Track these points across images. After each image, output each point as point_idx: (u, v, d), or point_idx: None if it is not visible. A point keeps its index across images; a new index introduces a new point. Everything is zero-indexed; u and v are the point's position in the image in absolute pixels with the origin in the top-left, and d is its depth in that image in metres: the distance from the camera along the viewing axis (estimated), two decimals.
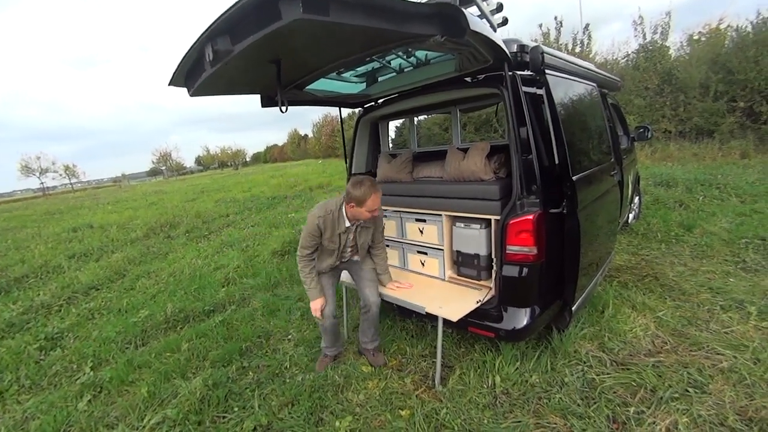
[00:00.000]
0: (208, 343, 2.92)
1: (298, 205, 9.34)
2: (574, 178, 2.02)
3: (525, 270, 2.04)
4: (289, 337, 2.94)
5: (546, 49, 2.05)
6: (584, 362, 2.28)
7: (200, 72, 1.73)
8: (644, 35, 11.80)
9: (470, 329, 2.21)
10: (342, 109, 3.11)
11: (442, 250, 2.58)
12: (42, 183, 51.87)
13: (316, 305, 2.28)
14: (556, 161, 2.10)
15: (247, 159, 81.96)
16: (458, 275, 2.55)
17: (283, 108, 1.98)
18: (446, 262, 2.59)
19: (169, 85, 2.02)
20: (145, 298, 4.09)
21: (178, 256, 5.81)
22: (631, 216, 4.72)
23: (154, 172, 76.37)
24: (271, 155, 68.85)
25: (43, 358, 3.04)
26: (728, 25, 10.56)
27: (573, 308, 2.22)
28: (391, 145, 3.60)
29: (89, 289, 4.61)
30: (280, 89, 1.88)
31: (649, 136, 4.50)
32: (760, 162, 7.90)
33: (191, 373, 2.58)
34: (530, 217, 1.97)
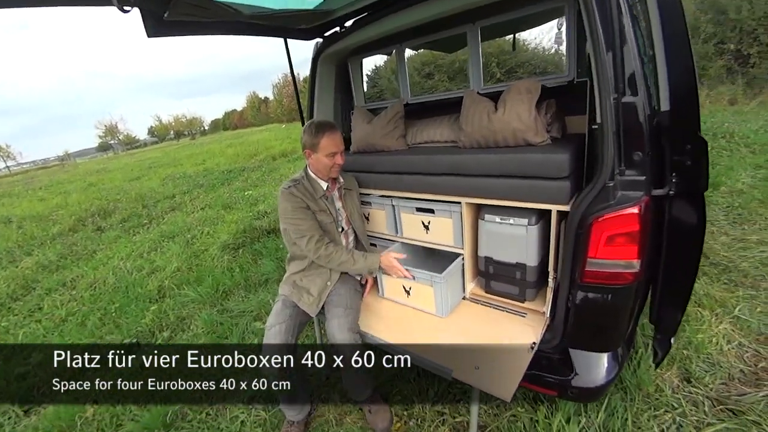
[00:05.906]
0: (120, 410, 1.99)
1: (257, 179, 8.12)
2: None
3: (615, 296, 1.22)
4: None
5: None
6: (674, 408, 1.58)
7: None
8: None
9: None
10: (289, 41, 2.01)
11: (461, 254, 1.70)
12: None
13: (388, 261, 1.65)
14: (663, 107, 1.22)
15: (205, 127, 76.50)
16: (486, 292, 1.69)
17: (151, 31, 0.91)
18: (467, 273, 1.72)
19: None
20: (48, 327, 3.02)
21: (106, 256, 4.66)
22: None
23: (103, 148, 69.52)
24: (230, 122, 64.28)
25: None
26: None
27: (672, 339, 1.45)
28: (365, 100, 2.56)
29: None
30: None
31: None
32: (753, 109, 7.47)
33: None
34: (634, 210, 1.12)
